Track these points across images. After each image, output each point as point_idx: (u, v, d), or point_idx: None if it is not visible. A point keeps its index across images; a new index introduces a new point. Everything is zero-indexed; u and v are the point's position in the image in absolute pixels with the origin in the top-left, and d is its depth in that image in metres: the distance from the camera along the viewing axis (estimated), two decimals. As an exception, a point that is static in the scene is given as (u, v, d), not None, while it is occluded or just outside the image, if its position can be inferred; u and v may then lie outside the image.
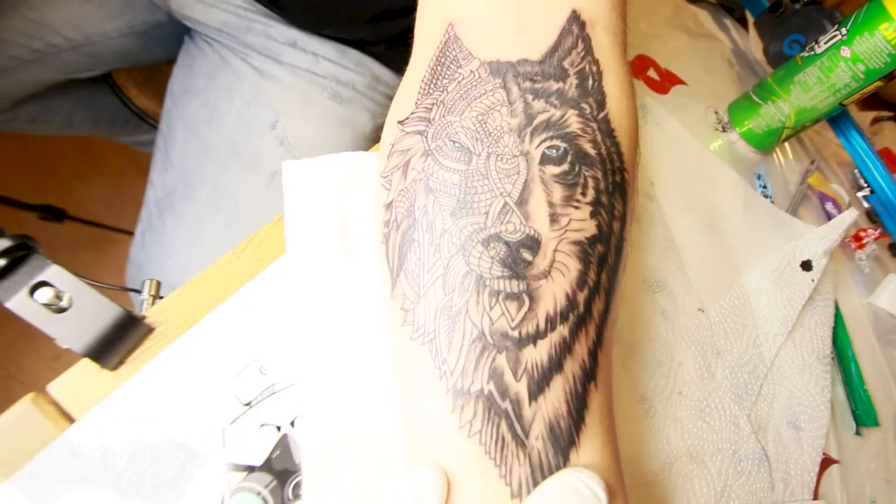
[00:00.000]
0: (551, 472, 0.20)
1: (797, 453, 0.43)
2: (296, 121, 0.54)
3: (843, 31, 0.46)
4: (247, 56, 0.54)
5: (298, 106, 0.54)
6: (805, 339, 0.46)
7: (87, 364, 0.25)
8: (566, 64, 0.24)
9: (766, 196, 0.53)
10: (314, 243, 0.30)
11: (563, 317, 0.21)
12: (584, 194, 0.22)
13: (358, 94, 0.56)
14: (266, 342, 0.27)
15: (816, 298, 0.48)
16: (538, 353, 0.21)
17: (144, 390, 0.25)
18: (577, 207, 0.22)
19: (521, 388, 0.20)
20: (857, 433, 0.48)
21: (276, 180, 0.52)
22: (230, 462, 0.25)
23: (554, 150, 0.22)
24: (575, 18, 0.24)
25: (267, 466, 0.25)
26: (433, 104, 0.24)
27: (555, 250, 0.21)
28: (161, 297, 0.32)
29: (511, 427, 0.20)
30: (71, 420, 0.24)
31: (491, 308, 0.21)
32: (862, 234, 0.57)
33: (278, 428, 0.26)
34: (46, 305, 0.24)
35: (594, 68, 0.24)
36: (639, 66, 0.52)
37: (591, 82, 0.24)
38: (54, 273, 0.24)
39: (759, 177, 0.54)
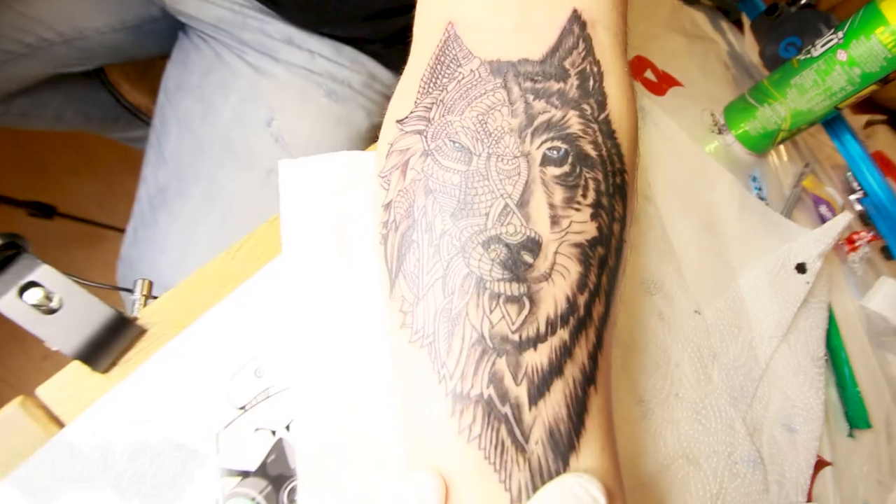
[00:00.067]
0: (551, 478, 0.19)
1: (791, 455, 0.43)
2: (291, 118, 0.53)
3: (840, 34, 0.46)
4: (242, 53, 0.54)
5: (294, 103, 0.53)
6: (799, 341, 0.47)
7: (77, 367, 0.24)
8: (567, 64, 0.24)
9: (761, 198, 0.53)
10: (311, 243, 0.29)
11: (564, 320, 0.21)
12: (584, 196, 0.22)
13: (354, 92, 0.56)
14: (261, 344, 0.27)
15: (810, 301, 0.48)
16: (538, 357, 0.20)
17: (136, 394, 0.25)
18: (577, 209, 0.22)
19: (521, 392, 0.20)
20: (850, 435, 0.48)
21: (271, 178, 0.52)
22: (224, 467, 0.24)
23: (555, 152, 0.22)
24: (576, 18, 0.24)
25: (262, 471, 0.25)
26: (433, 103, 0.24)
27: (555, 253, 0.21)
28: (153, 297, 0.31)
29: (511, 432, 0.20)
30: (60, 424, 0.24)
31: (491, 311, 0.20)
32: (855, 237, 0.57)
33: (273, 432, 0.25)
34: (36, 306, 0.23)
35: (595, 69, 0.24)
36: (637, 68, 0.52)
37: (592, 83, 0.24)
38: (44, 273, 0.24)
39: (754, 179, 0.54)
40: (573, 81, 0.23)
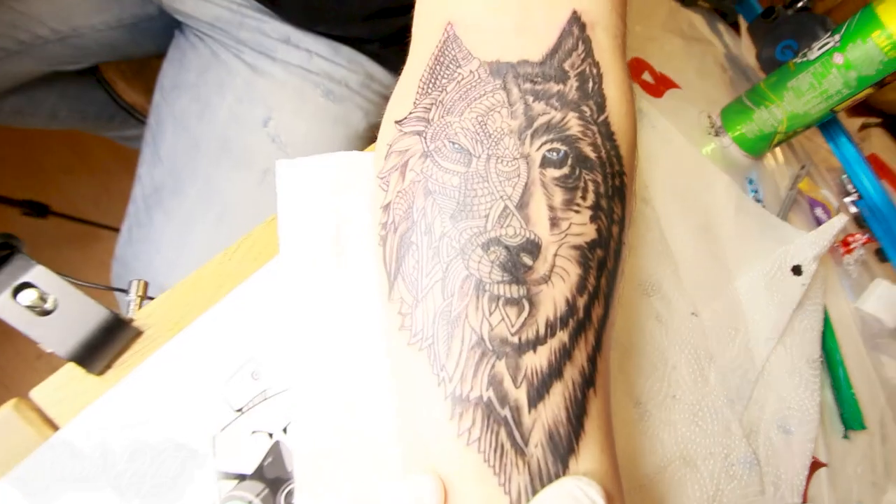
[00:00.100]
0: (550, 481, 0.19)
1: (787, 457, 0.43)
2: (288, 118, 0.53)
3: (836, 37, 0.47)
4: (239, 52, 0.53)
5: (291, 103, 0.53)
6: (795, 343, 0.47)
7: (72, 368, 0.24)
8: (567, 66, 0.23)
9: (757, 200, 0.53)
10: (308, 244, 0.29)
11: (563, 322, 0.21)
12: (584, 198, 0.22)
13: (351, 91, 0.56)
14: (258, 346, 0.27)
15: (806, 303, 0.48)
16: (538, 360, 0.20)
17: (132, 396, 0.24)
18: (577, 211, 0.22)
19: (520, 394, 0.20)
20: (845, 437, 0.49)
21: (267, 178, 0.52)
22: (221, 470, 0.24)
23: (554, 153, 0.22)
24: (575, 20, 0.24)
25: (259, 474, 0.24)
26: (432, 104, 0.23)
27: (555, 255, 0.21)
28: (149, 298, 0.31)
29: (510, 434, 0.19)
30: (55, 427, 0.23)
31: (490, 313, 0.20)
32: (850, 239, 0.57)
33: (270, 435, 0.25)
34: (30, 308, 0.23)
35: (594, 70, 0.24)
36: (634, 70, 0.52)
37: (591, 85, 0.24)
38: (39, 274, 0.23)
39: (750, 181, 0.54)
40: (573, 83, 0.23)
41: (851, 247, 0.57)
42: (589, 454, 0.20)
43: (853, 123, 0.79)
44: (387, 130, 0.25)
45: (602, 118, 0.24)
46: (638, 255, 0.41)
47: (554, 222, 0.21)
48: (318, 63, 0.54)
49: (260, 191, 0.52)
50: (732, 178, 0.50)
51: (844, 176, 0.64)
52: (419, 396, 0.21)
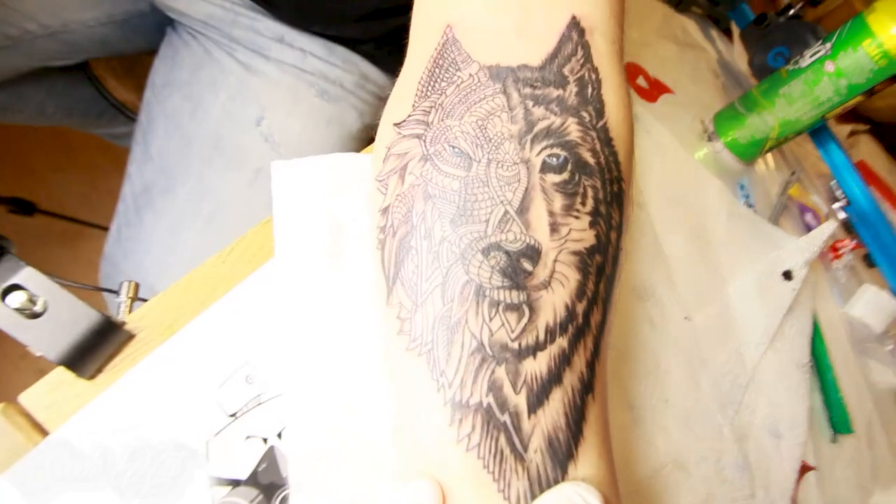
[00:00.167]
0: (549, 486, 0.19)
1: (777, 461, 0.43)
2: (282, 117, 0.53)
3: (828, 45, 0.47)
4: (232, 50, 0.53)
5: (285, 102, 0.53)
6: (785, 348, 0.47)
7: (61, 372, 0.24)
8: (566, 71, 0.23)
9: (748, 205, 0.53)
10: (304, 246, 0.29)
11: (563, 328, 0.21)
12: (583, 204, 0.22)
13: (346, 92, 0.56)
14: (253, 350, 0.26)
15: (796, 308, 0.49)
16: (537, 366, 0.20)
17: (124, 401, 0.24)
18: (576, 217, 0.22)
19: (520, 400, 0.20)
20: (833, 441, 0.49)
21: (259, 178, 0.51)
22: (215, 475, 0.24)
23: (554, 159, 0.22)
24: (575, 25, 0.24)
25: (253, 480, 0.24)
26: (431, 107, 0.23)
27: (555, 260, 0.21)
28: (140, 299, 0.30)
29: (510, 440, 0.19)
30: (44, 432, 0.23)
31: (490, 319, 0.20)
32: (839, 244, 0.58)
33: (265, 440, 0.25)
34: (19, 310, 0.22)
35: (593, 76, 0.24)
36: (629, 74, 0.53)
37: (590, 90, 0.24)
38: (28, 276, 0.23)
39: (742, 186, 0.55)
40: (572, 88, 0.23)
41: (840, 252, 0.58)
42: (588, 460, 0.20)
43: (842, 130, 0.80)
44: (385, 133, 0.25)
45: (601, 124, 0.24)
46: (632, 259, 0.41)
47: (554, 228, 0.21)
48: (313, 62, 0.53)
49: (252, 191, 0.51)
50: (724, 184, 0.51)
51: (833, 182, 0.65)
52: (418, 402, 0.21)
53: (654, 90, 0.54)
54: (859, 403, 0.53)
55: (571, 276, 0.21)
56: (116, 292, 0.32)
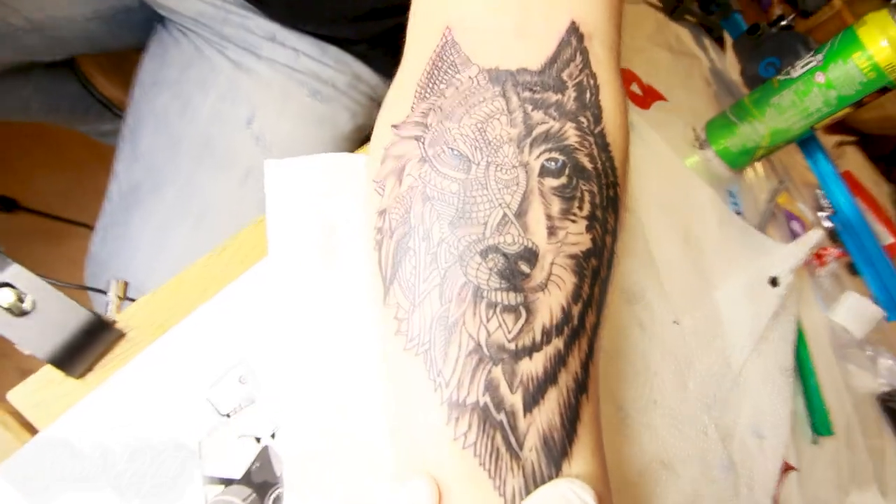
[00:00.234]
0: (544, 483, 0.20)
1: (760, 461, 0.44)
2: (273, 117, 0.52)
3: (819, 57, 0.48)
4: (223, 48, 0.52)
5: (276, 102, 0.52)
6: (770, 352, 0.48)
7: (50, 371, 0.23)
8: (565, 76, 0.24)
9: (737, 213, 0.54)
10: (298, 246, 0.29)
11: (559, 330, 0.21)
12: (580, 208, 0.22)
13: (338, 92, 0.55)
14: (245, 349, 0.26)
15: (781, 313, 0.49)
16: (533, 366, 0.20)
17: (114, 400, 0.24)
18: (573, 221, 0.22)
19: (516, 400, 0.20)
20: (814, 442, 0.50)
21: (249, 179, 0.51)
22: (208, 475, 0.23)
23: (553, 163, 0.22)
24: (574, 30, 0.24)
25: (246, 479, 0.24)
26: (430, 109, 0.23)
27: (552, 263, 0.21)
28: (128, 299, 0.30)
29: (506, 439, 0.20)
30: (33, 431, 0.22)
31: (488, 320, 0.20)
32: (823, 252, 0.59)
33: (258, 439, 0.25)
34: (7, 308, 0.22)
35: (592, 82, 0.24)
36: (623, 80, 0.53)
37: (588, 96, 0.24)
38: (16, 273, 0.22)
39: (731, 194, 0.56)
40: (570, 93, 0.24)
41: (825, 260, 0.59)
42: (581, 458, 0.21)
43: (829, 140, 0.82)
44: (382, 133, 0.25)
45: (598, 129, 0.24)
46: (623, 263, 0.42)
47: (551, 231, 0.21)
48: (305, 62, 0.53)
49: (241, 192, 0.50)
50: (714, 191, 0.52)
51: (820, 191, 0.66)
52: (415, 401, 0.21)
53: (648, 97, 0.54)
54: (839, 407, 0.54)
55: (568, 279, 0.22)
56: (104, 291, 0.31)
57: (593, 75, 0.24)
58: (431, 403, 0.20)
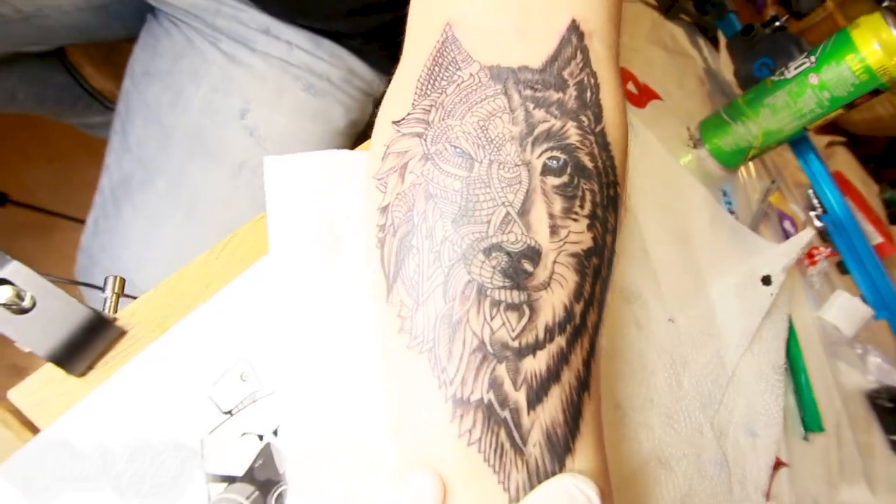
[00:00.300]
0: (548, 478, 0.20)
1: (753, 458, 0.45)
2: (267, 111, 0.52)
3: (812, 58, 0.49)
4: (216, 40, 0.51)
5: (270, 95, 0.52)
6: (762, 350, 0.49)
7: (51, 369, 0.23)
8: (566, 74, 0.24)
9: (731, 212, 0.55)
10: (298, 243, 0.29)
11: (562, 328, 0.21)
12: (581, 207, 0.23)
13: (333, 86, 0.55)
14: (247, 347, 0.26)
15: (773, 312, 0.50)
16: (537, 364, 0.21)
17: (115, 398, 0.23)
18: (575, 220, 0.22)
19: (520, 397, 0.20)
20: (805, 438, 0.51)
21: (243, 172, 0.50)
22: (210, 472, 0.23)
23: (555, 162, 0.22)
24: (574, 28, 0.24)
25: (249, 477, 0.24)
26: (431, 106, 0.23)
27: (554, 262, 0.21)
28: (126, 296, 0.30)
29: (510, 435, 0.20)
30: (34, 429, 0.22)
31: (492, 318, 0.20)
32: (814, 251, 0.60)
33: (260, 437, 0.25)
34: (6, 305, 0.22)
35: (592, 80, 0.24)
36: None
37: (589, 94, 0.24)
38: (15, 270, 0.22)
39: (724, 193, 0.56)
40: (572, 92, 0.24)
41: (815, 259, 0.60)
42: (584, 454, 0.21)
43: (820, 141, 0.83)
44: (383, 130, 0.25)
45: (599, 128, 0.24)
46: (621, 262, 0.42)
47: (553, 230, 0.22)
48: (299, 56, 0.53)
49: (234, 186, 0.50)
50: (708, 190, 0.52)
51: (811, 191, 0.67)
52: (418, 399, 0.21)
53: (644, 96, 0.54)
54: (830, 404, 0.55)
55: (570, 278, 0.22)
56: (101, 288, 0.31)
57: (594, 74, 0.24)
58: (435, 401, 0.20)
